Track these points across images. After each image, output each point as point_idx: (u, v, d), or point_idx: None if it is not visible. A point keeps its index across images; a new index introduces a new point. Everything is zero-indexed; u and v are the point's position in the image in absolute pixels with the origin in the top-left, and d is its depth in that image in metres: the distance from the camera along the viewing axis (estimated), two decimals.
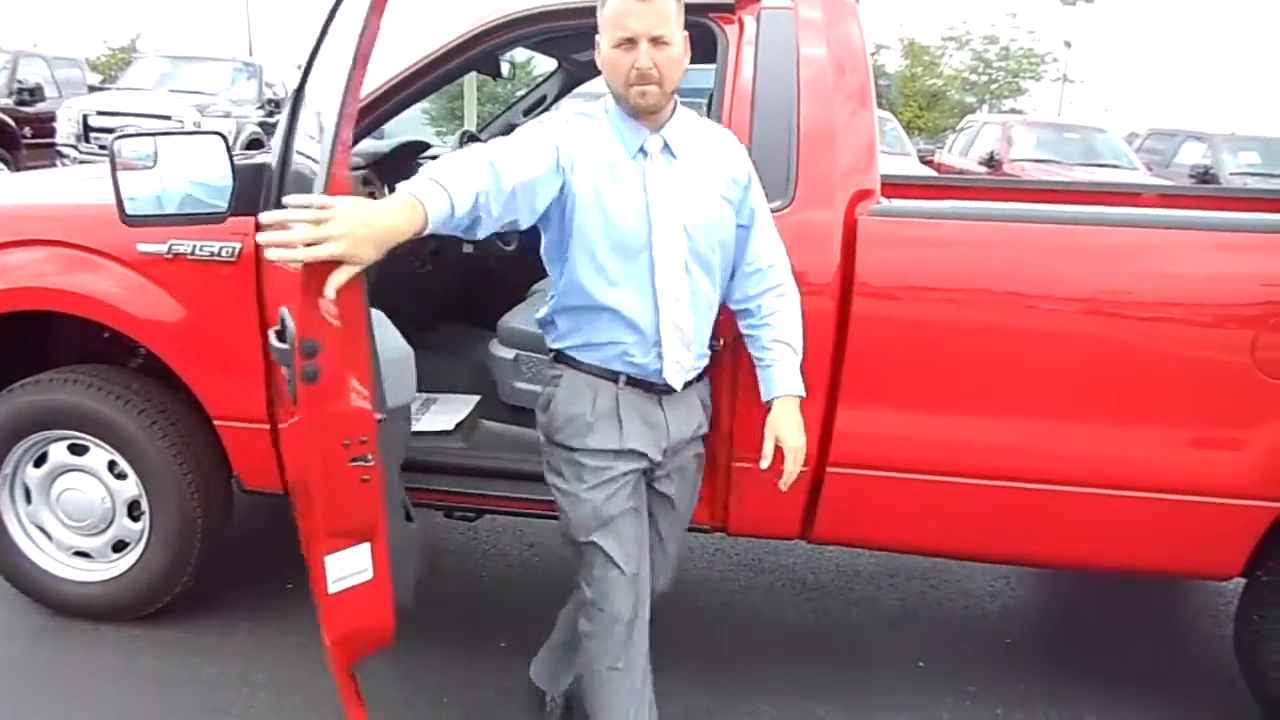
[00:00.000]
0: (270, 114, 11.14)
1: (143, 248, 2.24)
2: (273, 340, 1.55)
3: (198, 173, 2.04)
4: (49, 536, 2.52)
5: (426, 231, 1.45)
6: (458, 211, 1.47)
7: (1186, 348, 1.97)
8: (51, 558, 2.52)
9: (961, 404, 2.05)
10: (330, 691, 1.81)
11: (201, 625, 2.54)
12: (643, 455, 1.78)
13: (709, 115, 2.20)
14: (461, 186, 1.47)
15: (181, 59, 11.76)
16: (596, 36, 1.67)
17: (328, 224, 1.32)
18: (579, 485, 1.77)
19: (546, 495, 2.36)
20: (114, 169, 1.96)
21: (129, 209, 2.01)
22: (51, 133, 9.71)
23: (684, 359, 1.75)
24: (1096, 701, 2.42)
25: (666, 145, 1.70)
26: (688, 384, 1.79)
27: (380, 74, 2.28)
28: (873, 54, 2.80)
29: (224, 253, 2.21)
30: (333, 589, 1.61)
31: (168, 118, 9.64)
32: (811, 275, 2.00)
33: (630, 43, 1.61)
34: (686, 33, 1.67)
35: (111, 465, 2.42)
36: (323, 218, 1.33)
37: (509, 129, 3.74)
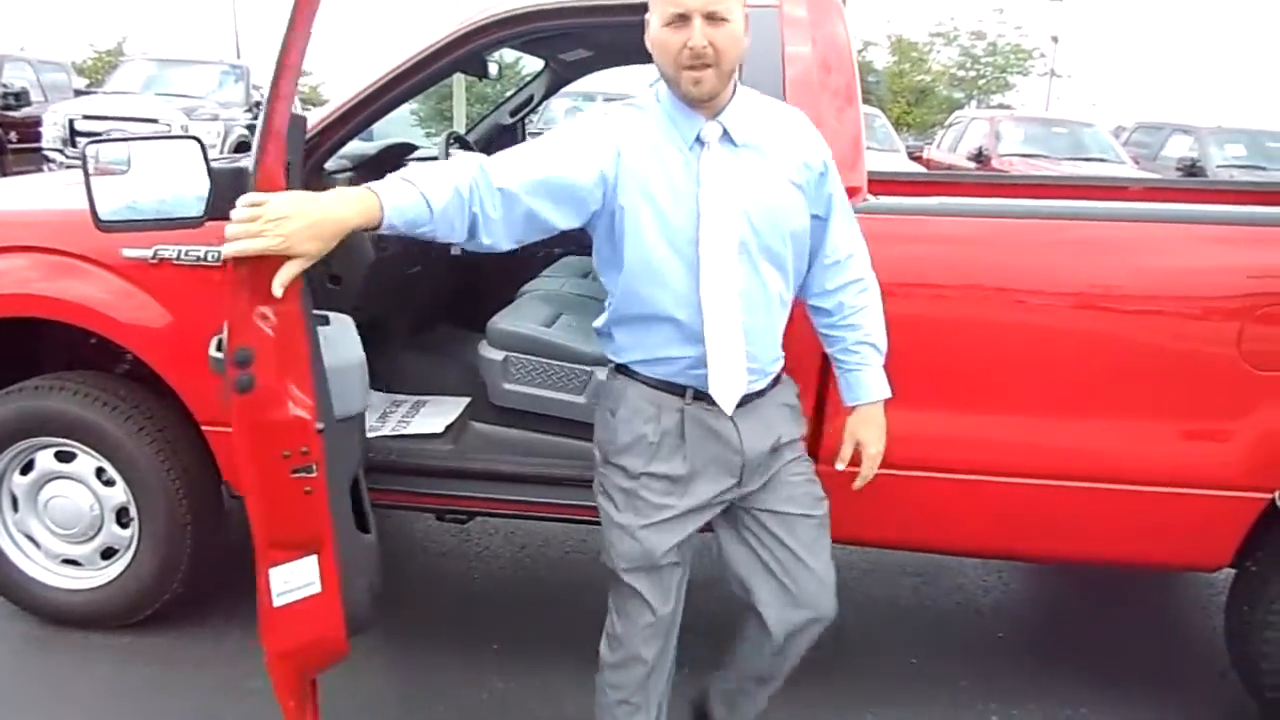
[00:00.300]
0: (258, 116, 11.09)
1: (128, 253, 2.22)
2: (211, 350, 1.51)
3: (175, 177, 2.02)
4: (36, 544, 2.50)
5: (388, 224, 1.38)
6: (434, 205, 1.39)
7: (1174, 340, 1.98)
8: (39, 566, 2.50)
9: (950, 400, 2.06)
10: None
11: (192, 632, 2.53)
12: (713, 490, 1.64)
13: None
14: (435, 182, 1.41)
15: (168, 62, 11.73)
16: (645, 15, 1.51)
17: (260, 220, 1.31)
18: (633, 519, 1.64)
19: (537, 497, 2.38)
20: (86, 175, 1.95)
21: (102, 214, 1.99)
22: (37, 137, 9.68)
23: (736, 367, 1.56)
24: (1089, 695, 2.43)
25: (726, 132, 1.53)
26: (761, 392, 1.64)
27: (367, 75, 2.27)
28: (860, 51, 2.81)
29: (209, 257, 2.20)
30: (278, 602, 1.57)
31: (154, 121, 9.60)
32: None
33: (683, 19, 1.44)
34: (745, 12, 1.51)
35: (99, 472, 2.41)
36: (253, 215, 1.32)
37: (496, 129, 3.76)
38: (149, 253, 2.21)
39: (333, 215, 1.35)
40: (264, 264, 1.37)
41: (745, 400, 1.61)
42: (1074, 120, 12.62)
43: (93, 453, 2.38)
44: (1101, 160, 10.71)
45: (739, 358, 1.56)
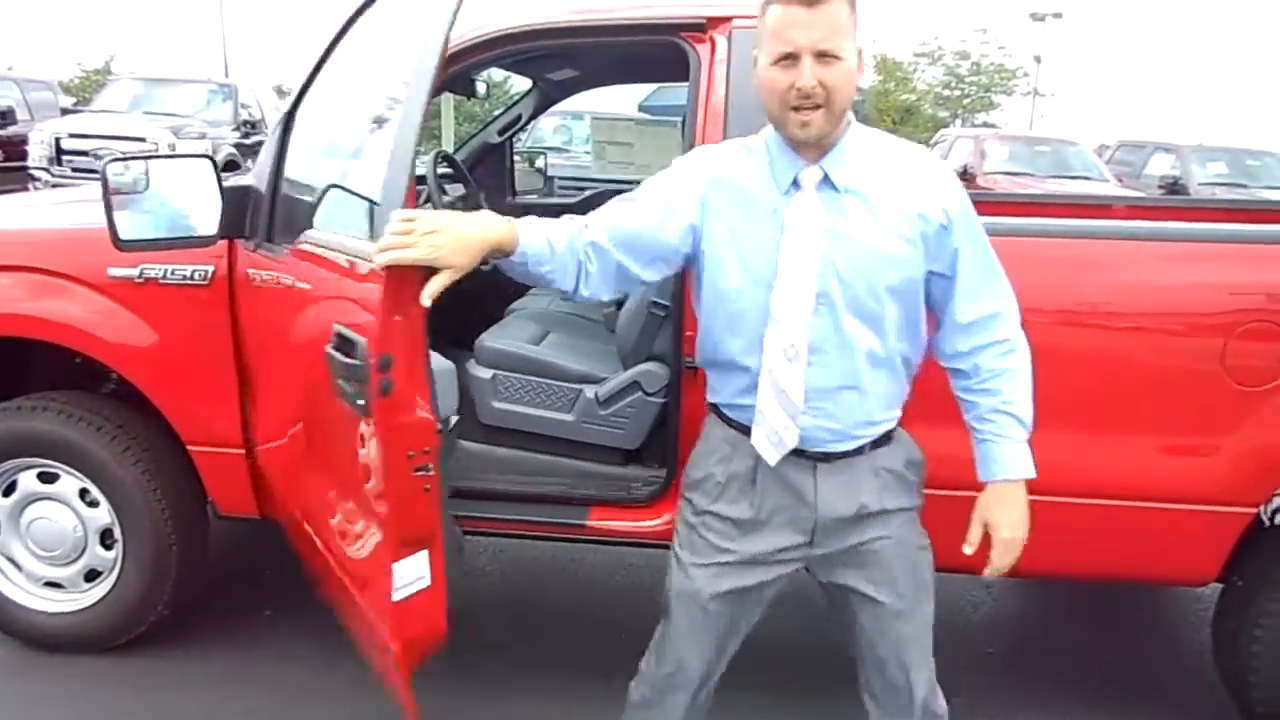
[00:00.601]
0: (245, 135, 11.11)
1: (114, 272, 2.21)
2: (337, 357, 1.56)
3: (189, 196, 2.03)
4: (18, 567, 2.47)
5: (520, 253, 1.43)
6: (555, 247, 1.45)
7: (1159, 356, 2.00)
8: (21, 589, 2.47)
9: (938, 416, 2.06)
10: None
11: (177, 655, 2.50)
12: (778, 543, 1.54)
13: (682, 135, 2.21)
14: (557, 228, 1.48)
15: (156, 81, 11.72)
16: (754, 51, 1.46)
17: (413, 233, 1.38)
18: (689, 555, 1.59)
19: (525, 516, 2.37)
20: (107, 194, 1.94)
21: (122, 234, 1.98)
22: (23, 156, 9.64)
23: (779, 420, 1.47)
24: (1080, 709, 2.43)
25: (827, 178, 1.44)
26: (851, 452, 1.51)
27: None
28: None
29: (196, 276, 2.19)
30: (397, 596, 1.62)
31: (142, 140, 9.59)
32: None
33: (791, 58, 1.37)
34: (859, 46, 1.43)
35: (83, 493, 2.38)
36: (407, 229, 1.38)
37: (484, 148, 3.77)
38: (135, 272, 2.20)
39: (478, 233, 1.40)
40: (408, 275, 1.43)
41: (832, 458, 1.51)
42: (1058, 139, 12.77)
43: (76, 474, 2.36)
44: (1085, 178, 10.83)
45: (783, 412, 1.46)
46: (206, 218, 2.05)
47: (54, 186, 8.84)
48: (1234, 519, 2.01)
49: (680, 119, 2.30)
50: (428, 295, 1.42)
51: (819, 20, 1.35)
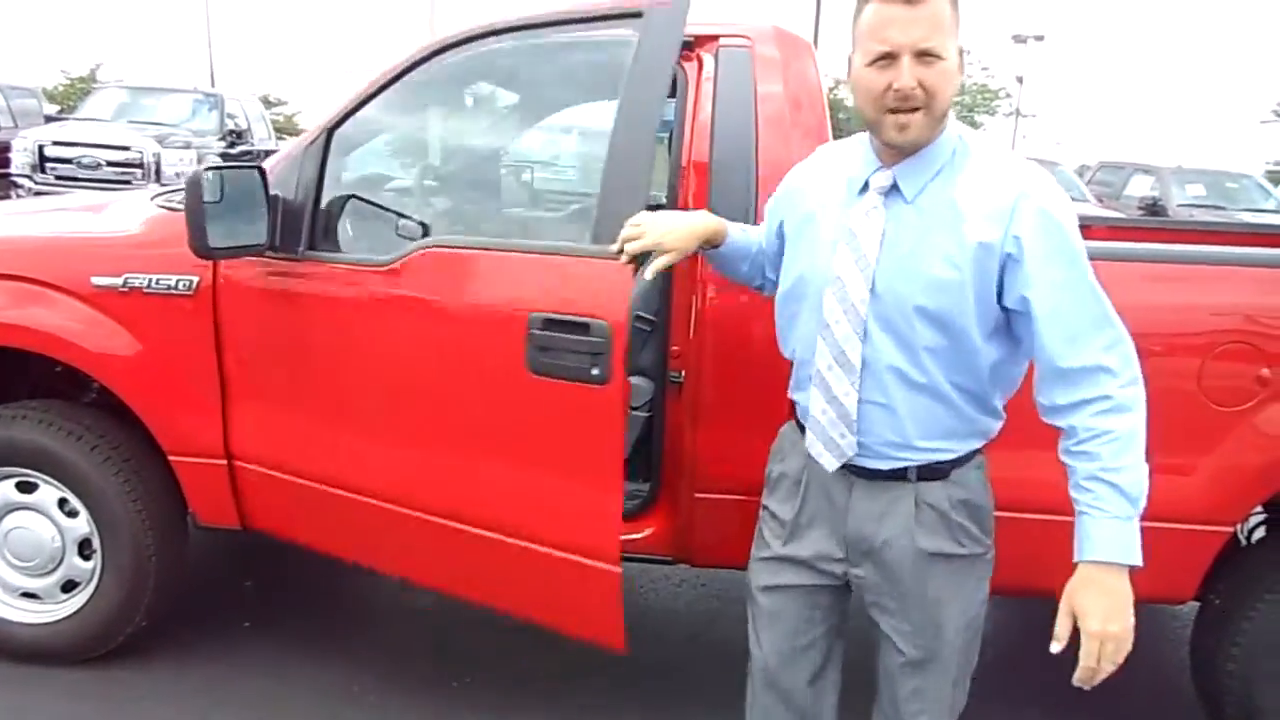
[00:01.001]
0: (231, 145, 11.08)
1: (97, 281, 2.21)
2: (562, 337, 1.80)
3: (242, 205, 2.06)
4: None
5: (729, 243, 1.67)
6: (752, 247, 1.69)
7: None
8: None
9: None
10: None
11: (156, 667, 2.47)
12: (818, 549, 1.51)
13: (669, 151, 2.23)
14: (755, 230, 1.73)
15: (141, 90, 11.69)
16: (849, 54, 1.39)
17: (641, 227, 1.63)
18: (753, 548, 1.62)
19: None
20: (201, 203, 1.96)
21: (213, 243, 1.99)
22: (6, 163, 9.57)
23: (826, 427, 1.43)
24: None
25: (896, 186, 1.38)
26: (892, 474, 1.44)
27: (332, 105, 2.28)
28: (831, 89, 2.87)
29: (181, 286, 2.19)
30: (624, 535, 1.93)
31: (126, 149, 9.55)
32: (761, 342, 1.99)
33: (889, 58, 1.29)
34: (960, 45, 1.35)
35: (62, 503, 2.36)
36: (637, 227, 1.64)
37: (471, 161, 3.76)
38: (119, 280, 2.20)
39: (691, 224, 1.63)
40: (631, 266, 1.72)
41: (872, 476, 1.44)
42: (1040, 159, 12.89)
43: (55, 483, 2.34)
44: None
45: (839, 420, 1.42)
46: (258, 226, 2.09)
47: (37, 194, 8.78)
48: (1211, 537, 2.03)
49: (668, 135, 2.32)
50: (651, 270, 1.63)
51: (920, 17, 1.28)
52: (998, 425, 1.50)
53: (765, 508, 1.60)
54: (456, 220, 2.85)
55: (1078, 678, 1.35)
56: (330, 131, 2.15)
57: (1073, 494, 1.36)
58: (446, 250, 2.01)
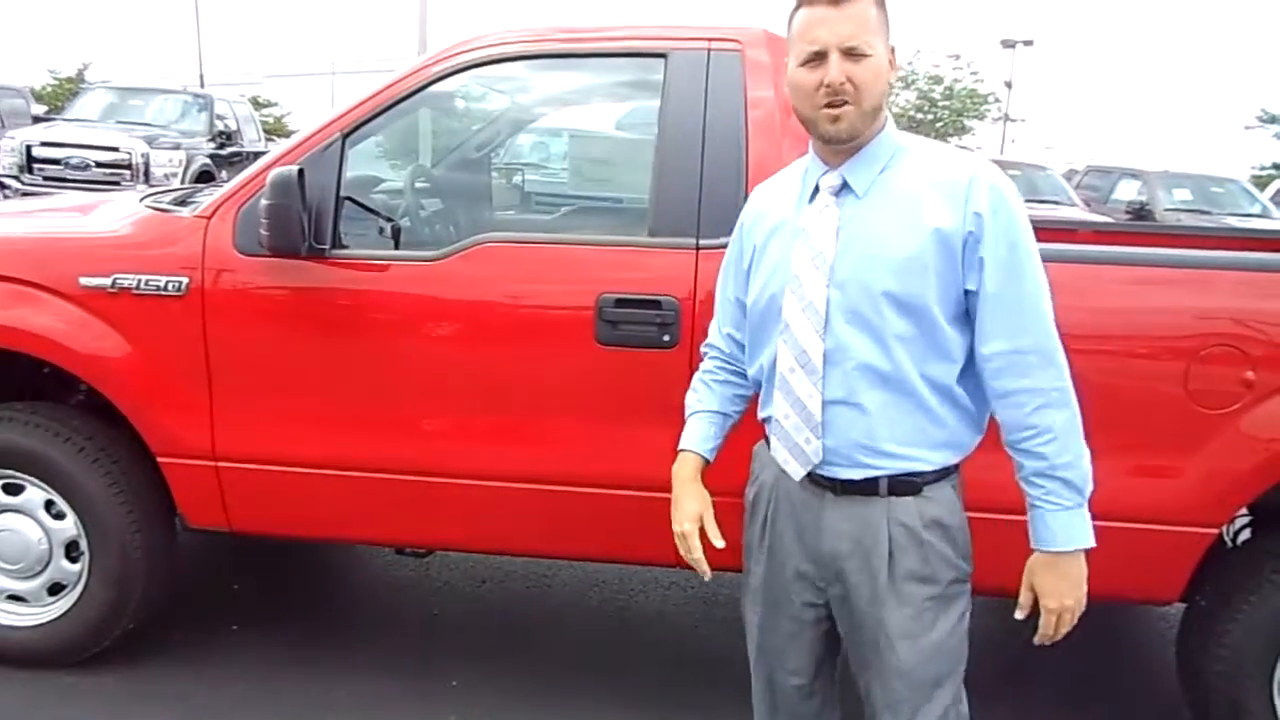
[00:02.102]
0: (220, 146, 11.04)
1: (85, 281, 2.20)
2: (639, 313, 2.06)
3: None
4: None
5: (712, 450, 1.62)
6: (723, 410, 1.63)
7: (1124, 379, 2.02)
8: None
9: None
10: None
11: (142, 671, 2.45)
12: (790, 573, 1.51)
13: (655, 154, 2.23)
14: (701, 398, 1.66)
15: (130, 90, 11.65)
16: (785, 59, 1.45)
17: (684, 539, 1.56)
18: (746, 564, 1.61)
19: None
20: (297, 198, 2.03)
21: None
22: None
23: (789, 432, 1.44)
24: None
25: (846, 184, 1.41)
26: (869, 485, 1.42)
27: (335, 109, 2.28)
28: None
29: (170, 287, 2.18)
30: None
31: (115, 149, 9.51)
32: None
33: (819, 57, 1.35)
34: (892, 44, 1.42)
35: (49, 505, 2.34)
36: (684, 540, 1.56)
37: (461, 164, 3.78)
38: (108, 281, 2.19)
39: (682, 487, 1.58)
40: None
41: (844, 488, 1.43)
42: (1029, 164, 12.98)
43: (42, 485, 2.32)
44: (1054, 202, 10.98)
45: (802, 424, 1.42)
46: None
47: (25, 195, 8.72)
48: (1197, 539, 2.04)
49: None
50: (715, 537, 1.53)
51: (846, 15, 1.34)
52: (974, 440, 1.49)
53: (746, 533, 1.59)
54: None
55: (1037, 640, 1.48)
56: (346, 137, 2.20)
57: (1022, 485, 1.42)
58: (503, 244, 2.19)
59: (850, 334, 1.38)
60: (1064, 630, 1.45)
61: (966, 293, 1.38)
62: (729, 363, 1.63)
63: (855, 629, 1.48)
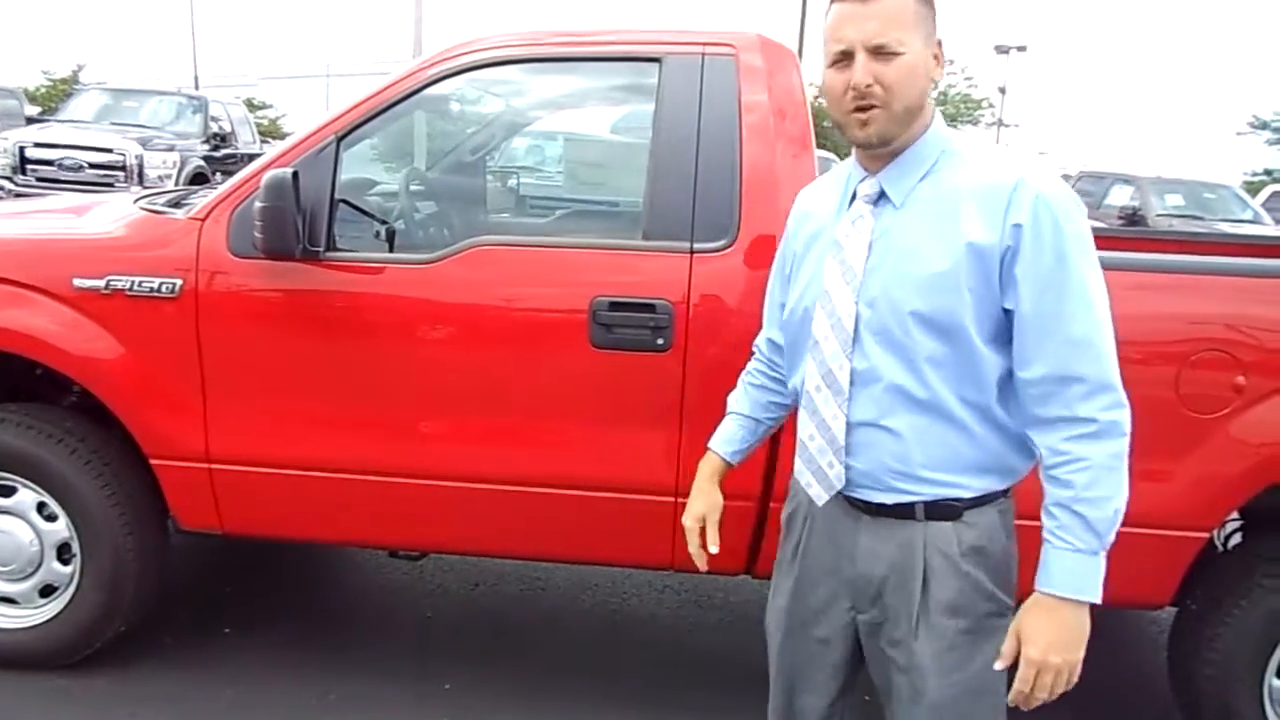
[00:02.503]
0: (215, 148, 11.03)
1: (79, 283, 2.19)
2: (634, 316, 2.07)
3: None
4: None
5: (741, 444, 1.63)
6: (754, 416, 1.62)
7: None
8: None
9: None
10: None
11: (133, 673, 2.45)
12: (824, 598, 1.43)
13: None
14: (740, 403, 1.65)
15: (124, 92, 11.64)
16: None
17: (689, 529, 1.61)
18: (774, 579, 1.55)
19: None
20: (291, 199, 2.03)
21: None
22: None
23: (813, 454, 1.36)
24: None
25: (883, 193, 1.31)
26: (905, 510, 1.32)
27: (329, 112, 2.28)
28: (815, 98, 2.89)
29: (164, 289, 2.18)
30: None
31: (109, 151, 9.49)
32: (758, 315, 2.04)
33: (846, 57, 1.26)
34: (939, 38, 1.32)
35: (41, 507, 2.34)
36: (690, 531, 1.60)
37: (456, 166, 3.78)
38: (102, 283, 2.19)
39: (698, 488, 1.61)
40: None
41: (878, 511, 1.34)
42: None
43: (34, 487, 2.32)
44: None
45: (826, 446, 1.34)
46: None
47: (18, 196, 8.70)
48: (1188, 543, 2.05)
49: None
50: (713, 543, 1.57)
51: (873, 12, 1.24)
52: (1024, 464, 1.35)
53: (781, 549, 1.53)
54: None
55: (1010, 699, 1.29)
56: (340, 140, 2.20)
57: (1043, 516, 1.27)
58: (498, 247, 2.20)
59: (880, 355, 1.29)
60: (1042, 692, 1.25)
61: (1006, 311, 1.26)
62: (770, 368, 1.59)
63: (884, 657, 1.38)
